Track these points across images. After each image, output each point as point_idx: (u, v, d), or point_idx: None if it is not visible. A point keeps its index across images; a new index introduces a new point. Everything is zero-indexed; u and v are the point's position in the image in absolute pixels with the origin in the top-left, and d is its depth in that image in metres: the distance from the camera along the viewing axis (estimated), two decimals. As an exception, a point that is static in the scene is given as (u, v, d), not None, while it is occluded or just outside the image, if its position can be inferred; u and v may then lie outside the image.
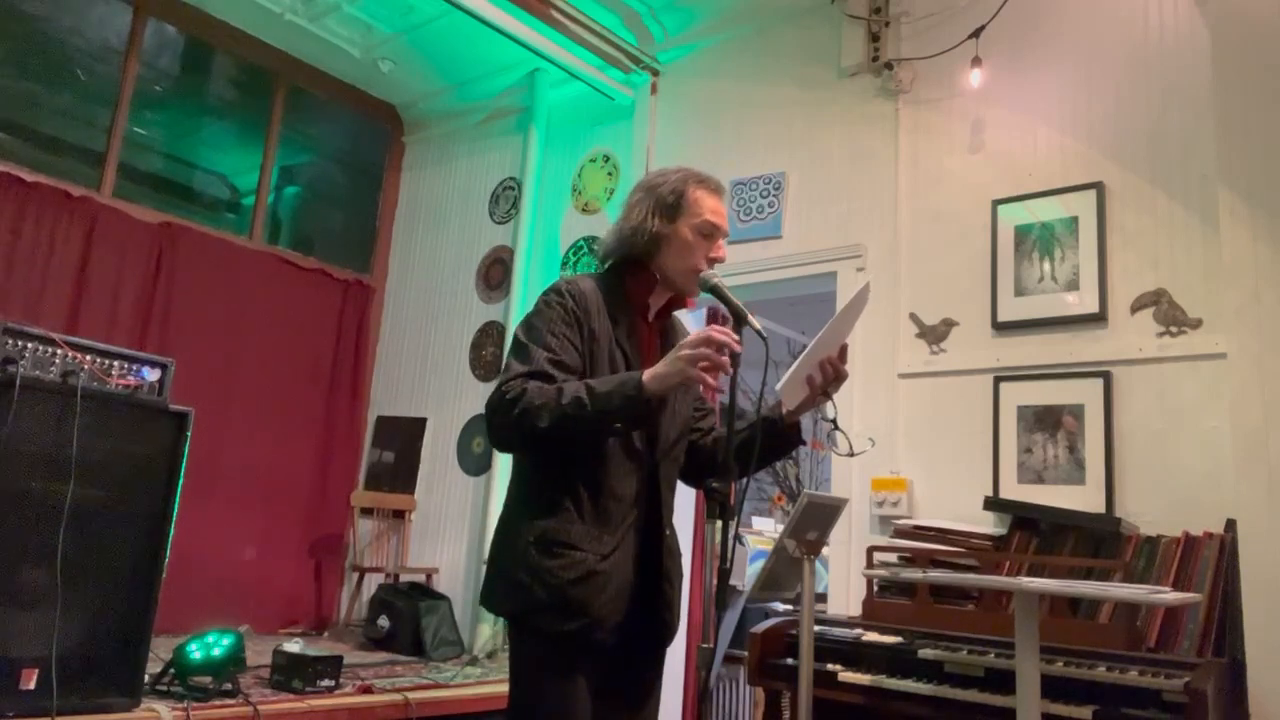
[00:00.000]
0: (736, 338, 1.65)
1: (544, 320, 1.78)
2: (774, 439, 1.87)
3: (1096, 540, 2.76)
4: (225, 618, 3.99)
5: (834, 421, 2.05)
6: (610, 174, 4.85)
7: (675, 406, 1.88)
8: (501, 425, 1.70)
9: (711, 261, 1.86)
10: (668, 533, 1.86)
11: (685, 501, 4.21)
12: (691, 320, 4.31)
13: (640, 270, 1.88)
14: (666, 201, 1.86)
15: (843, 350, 1.85)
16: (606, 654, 1.74)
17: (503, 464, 4.75)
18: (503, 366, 1.80)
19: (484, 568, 1.90)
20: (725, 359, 1.62)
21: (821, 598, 3.71)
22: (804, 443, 1.96)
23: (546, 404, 1.64)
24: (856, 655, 2.61)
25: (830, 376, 1.83)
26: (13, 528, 2.44)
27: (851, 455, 3.37)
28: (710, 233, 1.86)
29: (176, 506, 2.75)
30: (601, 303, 1.83)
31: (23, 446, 2.47)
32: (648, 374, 1.65)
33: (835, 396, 1.88)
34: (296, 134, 5.82)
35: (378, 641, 4.44)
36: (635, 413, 1.66)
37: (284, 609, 5.12)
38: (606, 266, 1.93)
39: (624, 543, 1.75)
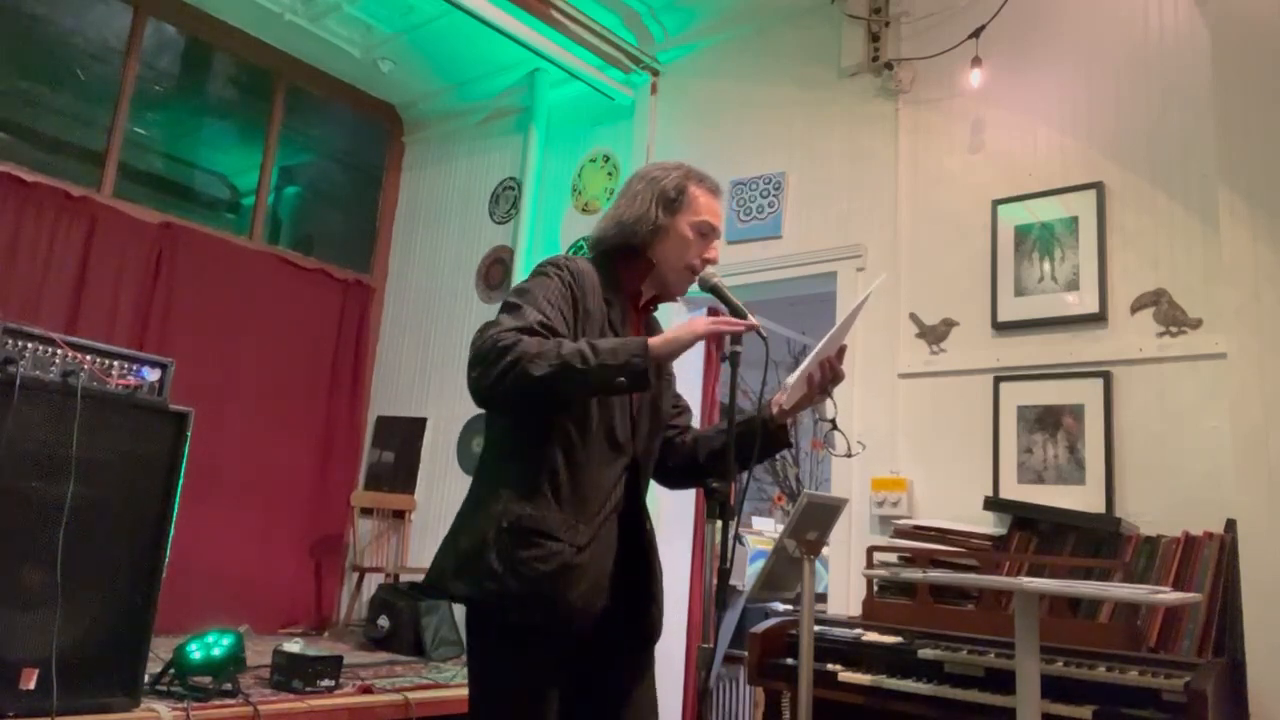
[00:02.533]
0: (754, 322, 1.71)
1: (540, 287, 1.76)
2: (762, 440, 1.86)
3: (1096, 540, 2.76)
4: (225, 618, 3.99)
5: (833, 421, 2.06)
6: (610, 174, 4.85)
7: (659, 400, 1.88)
8: (486, 371, 1.59)
9: (705, 261, 1.87)
10: (647, 526, 1.85)
11: (685, 501, 4.21)
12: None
13: (635, 258, 1.87)
14: (668, 195, 1.86)
15: (841, 350, 1.85)
16: (585, 652, 1.71)
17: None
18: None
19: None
20: (738, 328, 1.69)
21: (821, 598, 3.71)
22: (791, 445, 1.96)
23: (544, 353, 1.58)
24: (856, 655, 2.61)
25: (828, 376, 1.83)
26: (13, 528, 2.44)
27: (849, 456, 3.38)
28: (706, 232, 1.88)
29: (176, 506, 2.75)
30: (597, 284, 1.82)
31: (23, 446, 2.47)
32: (653, 339, 1.65)
33: (835, 397, 1.88)
34: (296, 134, 5.82)
35: (378, 641, 4.44)
36: (639, 371, 1.61)
37: (284, 609, 5.11)
38: (599, 252, 1.91)
39: (601, 534, 1.71)
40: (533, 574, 1.63)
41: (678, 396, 2.04)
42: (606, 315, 1.81)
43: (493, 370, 1.59)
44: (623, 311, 1.85)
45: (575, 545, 1.67)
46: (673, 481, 2.01)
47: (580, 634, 1.68)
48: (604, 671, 1.77)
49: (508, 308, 1.73)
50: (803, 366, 1.83)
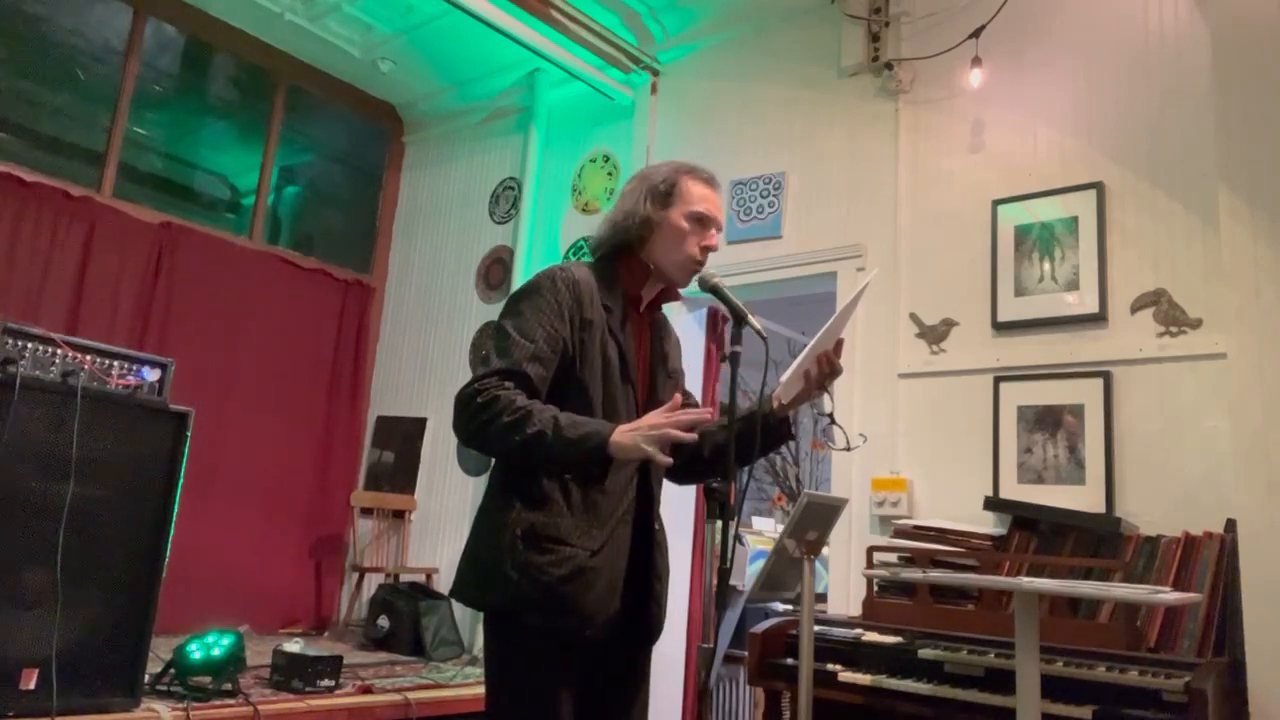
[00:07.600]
0: (707, 416, 1.69)
1: (533, 308, 1.76)
2: (766, 433, 1.86)
3: (1096, 540, 2.76)
4: (225, 618, 3.99)
5: (831, 416, 2.06)
6: (610, 174, 4.85)
7: (664, 399, 1.88)
8: (464, 426, 1.72)
9: (704, 250, 1.87)
10: (657, 527, 1.86)
11: (685, 501, 4.21)
12: (693, 321, 4.31)
13: (633, 259, 1.88)
14: (659, 189, 1.87)
15: (838, 345, 1.85)
16: (592, 651, 1.73)
17: (503, 464, 4.74)
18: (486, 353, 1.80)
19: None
20: (685, 434, 1.63)
21: (821, 598, 3.71)
22: (794, 437, 1.96)
23: (512, 424, 1.63)
24: (856, 655, 2.61)
25: (826, 371, 1.83)
26: (13, 528, 2.44)
27: (848, 449, 3.38)
28: (702, 220, 1.87)
29: (176, 506, 2.75)
30: (595, 291, 1.82)
31: (23, 446, 2.47)
32: (617, 435, 1.63)
33: (834, 393, 1.88)
34: (296, 134, 5.82)
35: (378, 641, 4.44)
36: (591, 468, 1.67)
37: (284, 609, 5.11)
38: (599, 256, 1.93)
39: (613, 537, 1.74)
40: (548, 579, 1.66)
41: (688, 394, 2.04)
42: (606, 323, 1.81)
43: (469, 425, 1.70)
44: (622, 316, 1.85)
45: (589, 549, 1.70)
46: (681, 478, 2.02)
47: (594, 636, 1.70)
48: (602, 670, 1.77)
49: (500, 337, 1.75)
50: (797, 362, 1.83)
